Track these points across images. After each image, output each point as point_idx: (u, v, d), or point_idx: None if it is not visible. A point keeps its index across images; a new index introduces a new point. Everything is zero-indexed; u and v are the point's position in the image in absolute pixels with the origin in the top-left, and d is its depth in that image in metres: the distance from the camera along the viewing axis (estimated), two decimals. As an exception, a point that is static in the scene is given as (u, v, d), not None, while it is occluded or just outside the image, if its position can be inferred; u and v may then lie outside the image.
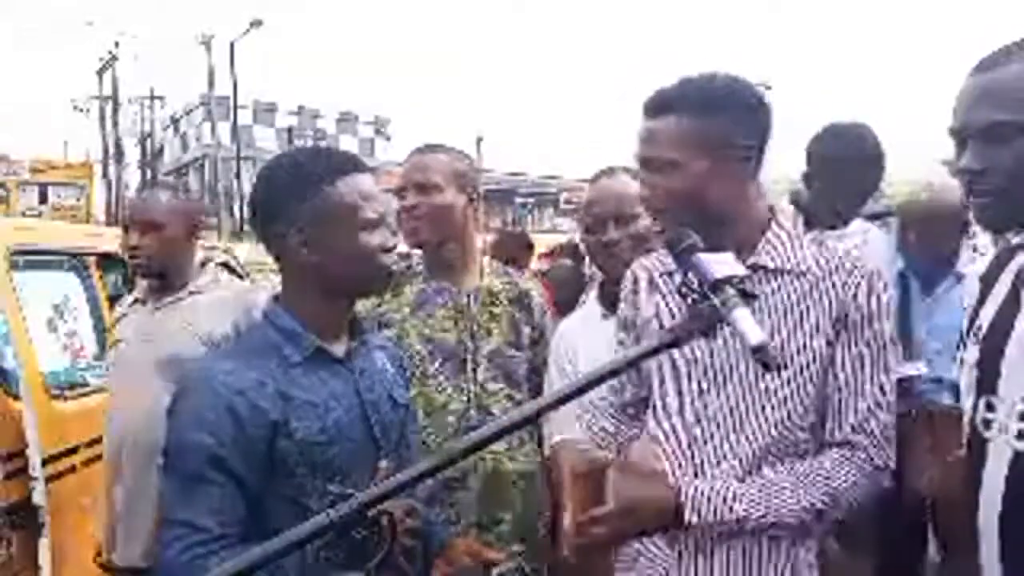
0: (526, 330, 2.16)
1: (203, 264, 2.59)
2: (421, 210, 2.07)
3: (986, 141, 1.19)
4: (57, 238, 3.49)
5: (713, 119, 1.39)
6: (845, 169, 2.57)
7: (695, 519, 1.33)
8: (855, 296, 1.41)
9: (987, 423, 1.24)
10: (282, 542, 0.88)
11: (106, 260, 3.67)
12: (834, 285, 1.41)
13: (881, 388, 1.41)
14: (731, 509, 1.34)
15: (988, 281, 1.35)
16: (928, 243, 2.78)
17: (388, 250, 1.48)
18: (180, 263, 2.52)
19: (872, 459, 1.39)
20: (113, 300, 3.57)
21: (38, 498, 2.55)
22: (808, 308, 1.41)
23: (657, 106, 1.42)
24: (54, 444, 2.78)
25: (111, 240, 3.72)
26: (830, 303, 1.41)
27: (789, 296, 1.42)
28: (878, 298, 1.41)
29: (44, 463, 2.62)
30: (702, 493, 1.35)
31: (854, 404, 1.40)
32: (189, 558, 1.30)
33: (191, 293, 2.49)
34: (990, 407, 1.24)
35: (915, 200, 2.78)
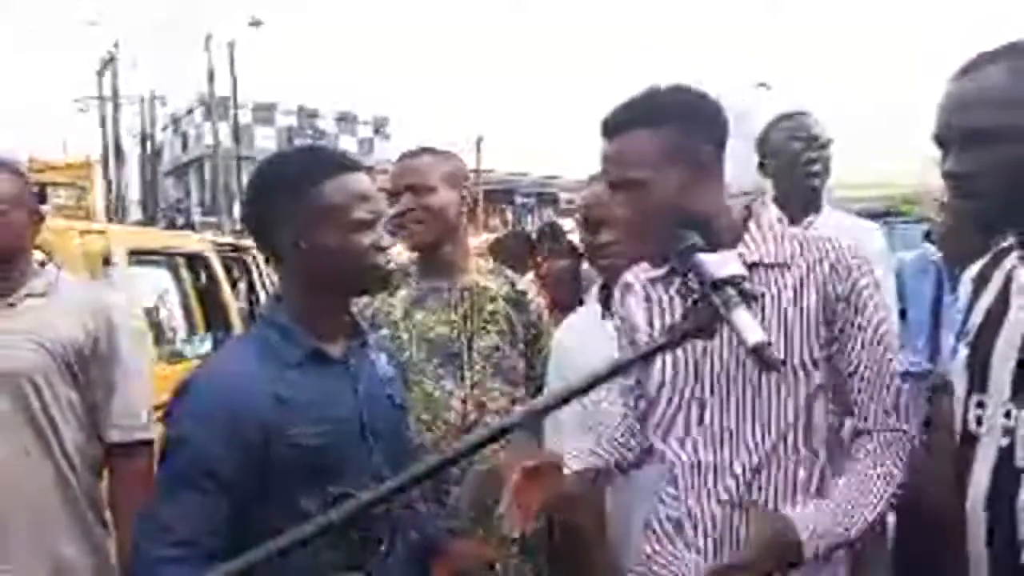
0: (521, 329, 2.17)
1: (42, 264, 2.12)
2: (417, 213, 2.08)
3: (968, 145, 1.20)
4: (155, 241, 4.31)
5: (667, 130, 1.39)
6: (797, 155, 2.63)
7: (812, 551, 1.28)
8: (844, 285, 1.41)
9: (978, 420, 1.26)
10: (281, 542, 0.88)
11: (191, 258, 4.41)
12: (821, 276, 1.41)
13: (892, 368, 1.42)
14: (838, 530, 1.31)
15: (981, 282, 1.37)
16: (966, 238, 2.80)
17: (382, 249, 1.48)
18: (21, 260, 2.02)
19: (910, 435, 1.41)
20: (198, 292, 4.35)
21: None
22: (798, 301, 1.40)
23: (612, 127, 1.43)
24: (158, 397, 3.06)
25: (195, 242, 4.62)
26: (819, 294, 1.41)
27: (777, 290, 1.41)
28: (866, 283, 1.42)
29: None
30: (812, 524, 1.30)
31: (878, 388, 1.41)
32: (159, 559, 1.31)
33: (28, 296, 1.99)
34: (980, 405, 1.26)
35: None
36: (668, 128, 1.39)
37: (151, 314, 3.84)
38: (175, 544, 1.31)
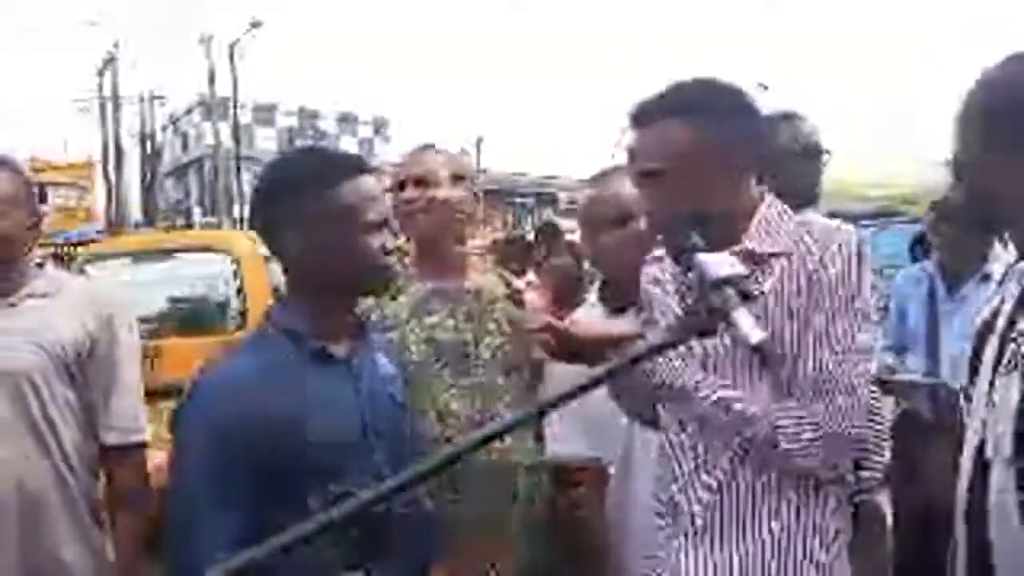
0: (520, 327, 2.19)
1: (40, 264, 2.10)
2: (423, 204, 2.09)
3: None
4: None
5: (694, 123, 1.40)
6: (799, 156, 2.61)
7: None
8: (825, 267, 1.39)
9: (967, 412, 1.32)
10: (283, 540, 0.89)
11: None
12: (810, 262, 1.41)
13: (840, 355, 1.37)
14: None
15: (1003, 281, 1.41)
16: (961, 242, 2.80)
17: (389, 252, 1.49)
18: (20, 260, 2.00)
19: (818, 422, 1.36)
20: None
21: None
22: (792, 290, 1.40)
23: (639, 117, 1.45)
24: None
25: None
26: (807, 280, 1.40)
27: (775, 280, 1.41)
28: (845, 264, 1.39)
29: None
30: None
31: (810, 364, 1.37)
32: (210, 560, 1.30)
33: (29, 296, 1.98)
34: (969, 398, 1.32)
35: (951, 199, 2.78)
36: (696, 118, 1.40)
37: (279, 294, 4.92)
38: (224, 544, 1.28)
